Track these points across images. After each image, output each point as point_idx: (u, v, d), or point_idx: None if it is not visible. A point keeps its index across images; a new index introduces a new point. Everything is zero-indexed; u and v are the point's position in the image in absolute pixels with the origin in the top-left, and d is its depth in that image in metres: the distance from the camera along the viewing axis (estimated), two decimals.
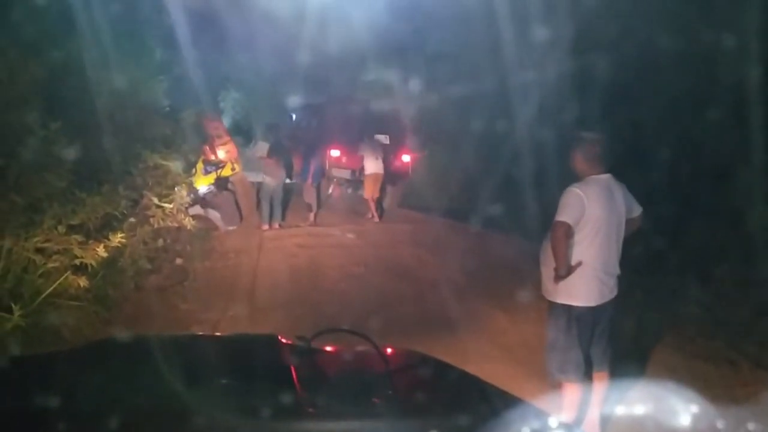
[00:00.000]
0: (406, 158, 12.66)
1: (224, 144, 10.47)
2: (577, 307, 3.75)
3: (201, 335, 4.04)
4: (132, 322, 5.89)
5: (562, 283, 3.71)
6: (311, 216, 11.07)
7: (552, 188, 4.33)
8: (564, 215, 3.68)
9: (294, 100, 15.22)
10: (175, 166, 7.88)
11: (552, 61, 8.78)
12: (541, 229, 4.03)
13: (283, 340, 2.30)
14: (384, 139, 12.37)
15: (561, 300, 3.79)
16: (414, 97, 12.37)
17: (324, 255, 8.77)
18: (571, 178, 3.85)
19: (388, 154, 11.94)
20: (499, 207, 8.37)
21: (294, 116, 13.92)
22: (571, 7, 7.78)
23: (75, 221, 5.60)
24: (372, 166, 11.26)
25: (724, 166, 7.43)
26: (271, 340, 2.36)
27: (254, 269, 7.99)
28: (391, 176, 12.13)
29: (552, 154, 6.55)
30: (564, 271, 3.66)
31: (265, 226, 10.32)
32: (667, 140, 7.56)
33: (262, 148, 10.49)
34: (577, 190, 3.71)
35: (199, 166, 10.03)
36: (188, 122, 9.01)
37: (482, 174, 10.58)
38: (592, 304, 3.75)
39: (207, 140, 10.25)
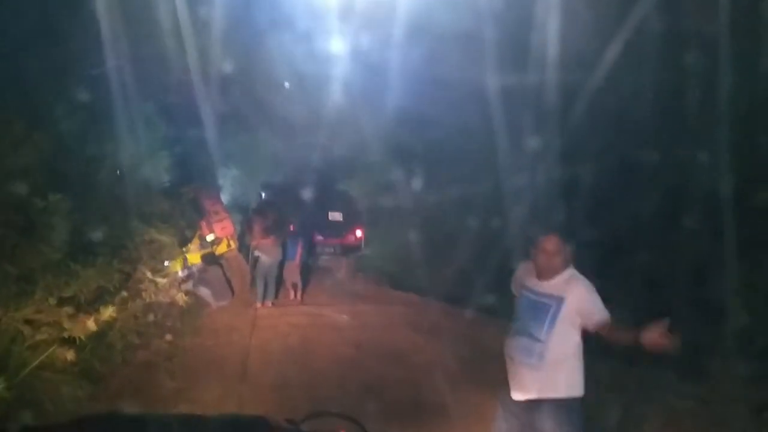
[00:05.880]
0: (358, 233, 13.86)
1: (221, 220, 10.54)
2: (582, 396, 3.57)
3: (187, 415, 3.96)
4: (117, 398, 5.76)
5: (579, 376, 3.51)
6: (292, 294, 11.00)
7: None
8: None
9: (266, 180, 15.83)
10: (171, 241, 7.91)
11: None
12: None
13: (272, 423, 2.26)
14: (338, 216, 13.82)
15: (578, 393, 3.53)
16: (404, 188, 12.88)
17: (316, 335, 8.68)
18: None
19: (340, 230, 13.68)
20: (495, 293, 8.36)
21: (263, 195, 14.71)
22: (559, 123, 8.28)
23: (67, 293, 5.58)
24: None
25: (703, 265, 7.59)
26: (260, 423, 2.32)
27: (244, 347, 7.87)
28: (345, 249, 13.64)
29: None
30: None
31: (259, 304, 10.24)
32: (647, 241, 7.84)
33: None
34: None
35: (195, 241, 10.04)
36: (187, 198, 9.11)
37: (477, 261, 10.69)
38: None
39: (204, 216, 10.31)
